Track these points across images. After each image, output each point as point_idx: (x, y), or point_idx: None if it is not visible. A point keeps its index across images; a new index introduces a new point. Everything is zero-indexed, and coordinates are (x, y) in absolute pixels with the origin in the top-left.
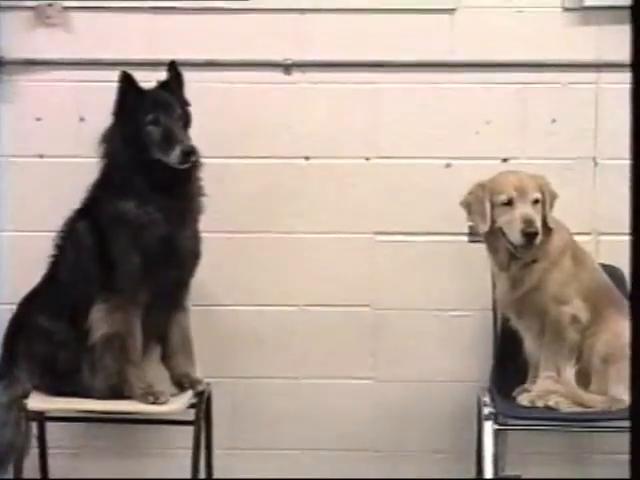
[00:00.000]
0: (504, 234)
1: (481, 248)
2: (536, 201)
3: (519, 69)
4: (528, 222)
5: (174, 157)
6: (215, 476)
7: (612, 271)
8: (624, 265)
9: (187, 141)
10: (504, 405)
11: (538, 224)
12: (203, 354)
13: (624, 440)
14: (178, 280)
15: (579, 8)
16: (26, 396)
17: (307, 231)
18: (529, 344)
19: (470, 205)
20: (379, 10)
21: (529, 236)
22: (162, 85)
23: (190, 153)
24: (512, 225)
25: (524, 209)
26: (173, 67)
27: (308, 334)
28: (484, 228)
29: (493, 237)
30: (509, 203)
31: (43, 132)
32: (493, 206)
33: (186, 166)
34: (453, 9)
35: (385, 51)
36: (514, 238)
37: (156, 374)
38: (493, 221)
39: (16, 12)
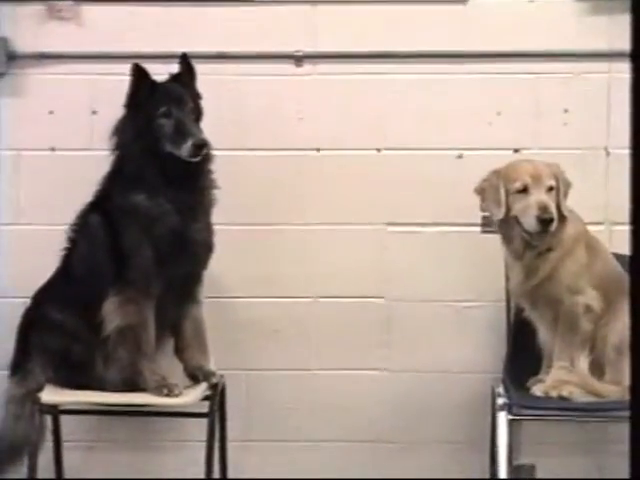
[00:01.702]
0: (519, 222)
1: (494, 239)
2: (551, 188)
3: (531, 59)
4: (543, 208)
5: (186, 150)
6: (229, 468)
7: (625, 261)
8: None
9: (199, 134)
10: (518, 395)
11: (553, 210)
12: (217, 346)
13: None
14: (191, 272)
15: None
16: (40, 389)
17: (319, 222)
18: (543, 334)
19: (485, 192)
20: (390, 1)
21: (544, 222)
22: (174, 78)
23: (202, 146)
24: (527, 212)
25: (539, 196)
26: (185, 60)
27: (322, 326)
28: (499, 215)
29: (507, 226)
30: (524, 190)
31: (55, 125)
32: (508, 194)
33: (198, 159)
34: None
35: (396, 42)
36: (529, 225)
37: (170, 367)
38: (508, 209)
39: (28, 6)
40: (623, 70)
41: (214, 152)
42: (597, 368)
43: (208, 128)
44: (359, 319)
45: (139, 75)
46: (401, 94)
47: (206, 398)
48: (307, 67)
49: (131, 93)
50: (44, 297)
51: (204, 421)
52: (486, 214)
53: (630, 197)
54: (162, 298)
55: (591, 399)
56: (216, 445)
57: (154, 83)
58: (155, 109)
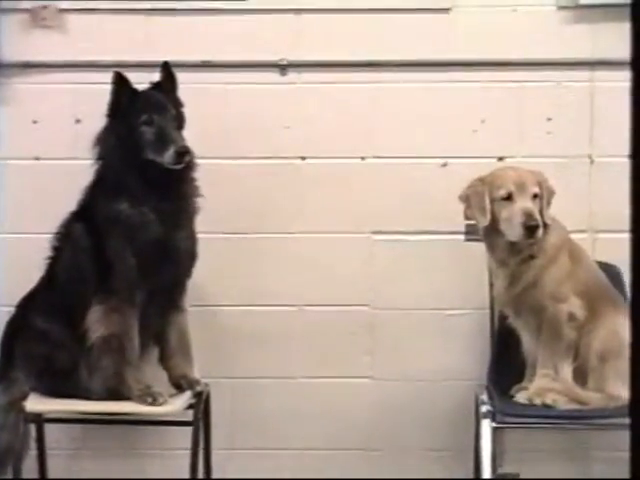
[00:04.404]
0: (504, 230)
1: (478, 247)
2: (535, 196)
3: (514, 68)
4: (528, 215)
5: (168, 157)
6: (214, 476)
7: (608, 269)
8: (620, 263)
9: (181, 141)
10: (502, 403)
11: (538, 217)
12: (201, 354)
13: (621, 437)
14: (174, 280)
15: (574, 6)
16: (24, 398)
17: (304, 231)
18: (526, 342)
19: (469, 199)
20: (375, 10)
21: (530, 229)
22: (155, 86)
23: (184, 153)
24: (513, 219)
25: (524, 203)
26: (166, 68)
27: (306, 334)
28: (484, 222)
29: (492, 233)
30: (509, 198)
31: (39, 134)
32: (492, 201)
33: (180, 166)
34: (449, 8)
35: (381, 51)
36: (515, 232)
37: (154, 375)
38: (492, 216)
39: (12, 14)
40: (606, 78)
41: (199, 160)
42: (580, 376)
43: (193, 137)
44: (344, 327)
45: (120, 83)
46: (386, 102)
47: (190, 406)
48: (292, 76)
49: (112, 101)
50: (28, 306)
51: (188, 429)
52: (470, 222)
53: (630, 204)
54: (146, 307)
55: (574, 407)
56: (200, 453)
57: (135, 91)
58: (136, 117)
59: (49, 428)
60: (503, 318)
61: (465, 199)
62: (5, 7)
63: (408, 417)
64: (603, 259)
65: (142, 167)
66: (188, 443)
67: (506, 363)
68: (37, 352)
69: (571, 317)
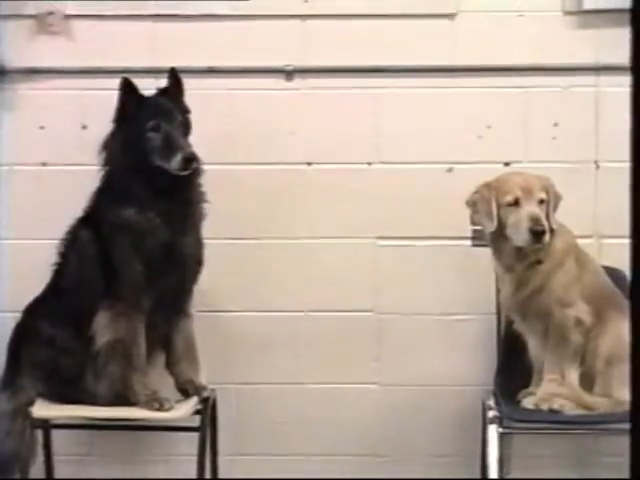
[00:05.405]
0: (510, 235)
1: (484, 252)
2: (542, 201)
3: (520, 73)
4: (535, 220)
5: (175, 163)
6: None
7: (614, 273)
8: (626, 267)
9: (187, 147)
10: (508, 408)
11: (545, 222)
12: (208, 360)
13: (628, 442)
14: (181, 286)
15: (579, 12)
16: (31, 404)
17: (310, 236)
18: (533, 347)
19: (476, 205)
20: (380, 15)
21: (537, 234)
22: (162, 92)
23: (191, 159)
24: (519, 224)
25: (531, 208)
26: (173, 74)
27: (312, 339)
28: (491, 227)
29: (498, 238)
30: (515, 203)
31: (46, 140)
32: (499, 207)
33: (187, 172)
34: (454, 14)
35: (386, 56)
36: (522, 237)
37: (161, 381)
38: (499, 221)
39: (18, 20)
40: (611, 83)
41: (205, 166)
42: (587, 381)
43: (199, 142)
44: (350, 333)
45: (127, 89)
46: (391, 108)
47: (197, 412)
48: (297, 81)
49: (119, 107)
50: (35, 312)
51: (195, 435)
52: (476, 227)
53: (630, 210)
54: (152, 312)
55: (581, 412)
56: (207, 459)
57: (142, 97)
58: (143, 123)
59: (56, 434)
60: (510, 323)
61: (472, 204)
62: (11, 13)
63: (414, 423)
64: (609, 264)
65: (149, 173)
66: (195, 449)
67: (513, 368)
68: (44, 358)
69: (578, 322)
